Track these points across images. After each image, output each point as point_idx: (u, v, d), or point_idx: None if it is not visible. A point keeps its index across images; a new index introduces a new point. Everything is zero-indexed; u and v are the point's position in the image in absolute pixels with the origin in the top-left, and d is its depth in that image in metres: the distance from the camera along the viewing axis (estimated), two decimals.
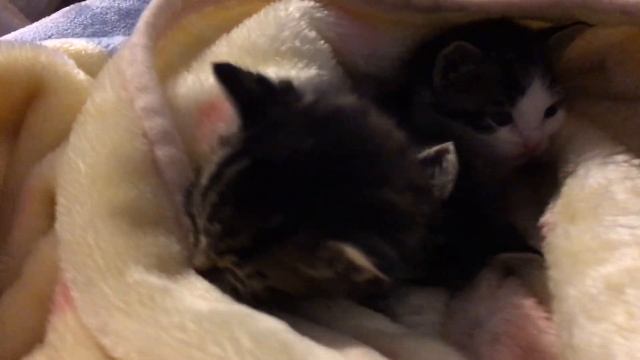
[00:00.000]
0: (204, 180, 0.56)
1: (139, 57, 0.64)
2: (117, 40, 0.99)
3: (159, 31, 0.69)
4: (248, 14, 0.77)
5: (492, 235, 0.69)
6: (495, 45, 0.78)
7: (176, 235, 0.59)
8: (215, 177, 0.54)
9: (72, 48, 0.91)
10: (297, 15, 0.74)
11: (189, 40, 0.76)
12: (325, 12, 0.76)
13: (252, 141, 0.55)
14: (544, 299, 0.67)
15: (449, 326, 0.68)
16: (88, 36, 1.16)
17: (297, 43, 0.72)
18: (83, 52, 0.92)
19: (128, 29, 1.24)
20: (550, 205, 0.73)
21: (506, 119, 0.79)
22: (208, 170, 0.56)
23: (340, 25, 0.77)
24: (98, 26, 1.24)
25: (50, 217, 0.64)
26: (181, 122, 0.65)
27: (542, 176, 0.85)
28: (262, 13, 0.75)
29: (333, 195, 0.51)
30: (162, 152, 0.61)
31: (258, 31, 0.72)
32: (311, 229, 0.51)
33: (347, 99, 0.63)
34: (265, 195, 0.51)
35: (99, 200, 0.57)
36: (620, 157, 0.70)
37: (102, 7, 1.29)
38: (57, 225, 0.60)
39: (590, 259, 0.60)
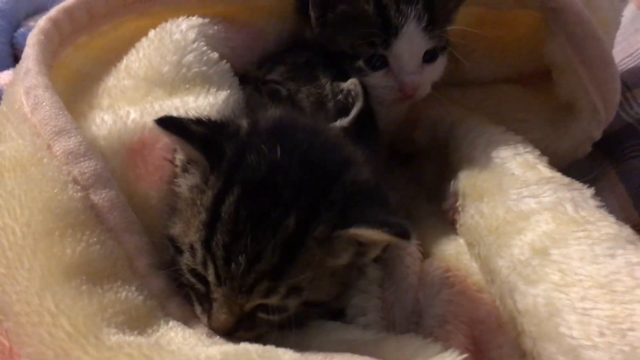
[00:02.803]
0: (192, 236, 0.56)
1: (46, 100, 0.59)
2: None
3: (49, 68, 0.63)
4: (122, 39, 0.74)
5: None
6: None
7: (134, 284, 0.57)
8: (211, 222, 0.54)
9: None
10: (192, 36, 0.72)
11: (71, 76, 0.71)
12: (216, 27, 0.76)
13: (229, 173, 0.55)
14: (467, 273, 0.73)
15: (390, 320, 0.70)
16: None
17: (204, 67, 0.71)
18: None
19: None
20: (450, 191, 0.80)
21: (382, 62, 0.80)
22: (193, 222, 0.56)
23: (231, 39, 0.77)
24: None
25: None
26: (111, 164, 0.61)
27: (422, 165, 0.93)
28: (155, 39, 0.72)
29: (321, 187, 0.56)
30: (99, 197, 0.57)
31: (158, 58, 0.70)
32: (322, 222, 0.55)
33: (274, 111, 0.67)
34: (269, 209, 0.54)
35: (47, 262, 0.52)
36: (505, 137, 0.79)
37: None
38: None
39: (511, 231, 0.68)
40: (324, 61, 0.81)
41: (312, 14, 0.80)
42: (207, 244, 0.54)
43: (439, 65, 0.85)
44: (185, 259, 0.57)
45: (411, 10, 0.78)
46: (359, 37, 0.80)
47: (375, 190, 0.59)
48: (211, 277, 0.55)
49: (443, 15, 0.82)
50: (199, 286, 0.57)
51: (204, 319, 0.58)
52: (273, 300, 0.55)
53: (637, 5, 1.05)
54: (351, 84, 0.75)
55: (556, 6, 0.79)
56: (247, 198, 0.54)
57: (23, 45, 1.09)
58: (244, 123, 0.61)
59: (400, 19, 0.78)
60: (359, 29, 0.79)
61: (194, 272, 0.57)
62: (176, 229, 0.58)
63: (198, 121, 0.60)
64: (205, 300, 0.57)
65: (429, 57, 0.83)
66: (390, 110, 0.85)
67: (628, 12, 1.06)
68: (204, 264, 0.55)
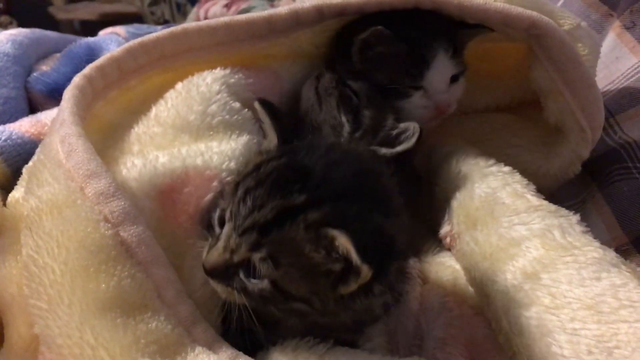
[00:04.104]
0: (232, 184, 0.66)
1: (79, 147, 0.64)
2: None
3: (82, 119, 0.68)
4: (149, 92, 0.80)
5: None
6: (402, 28, 0.88)
7: (163, 313, 0.60)
8: (251, 172, 0.64)
9: None
10: (216, 87, 0.78)
11: (103, 128, 0.76)
12: (237, 76, 0.82)
13: (289, 151, 0.65)
14: (465, 297, 0.78)
15: (393, 344, 0.75)
16: None
17: (227, 116, 0.76)
18: None
19: None
20: (446, 218, 0.85)
21: (418, 88, 0.91)
22: (242, 173, 0.66)
23: (252, 84, 0.83)
24: None
25: None
26: (140, 204, 0.66)
27: (419, 190, 0.98)
28: (183, 90, 0.78)
29: (343, 198, 0.61)
30: (128, 233, 0.61)
31: (186, 107, 0.75)
32: (320, 212, 0.59)
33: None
34: (294, 183, 0.60)
35: (85, 297, 0.56)
36: (495, 168, 0.85)
37: None
38: (41, 331, 0.58)
39: (504, 257, 0.73)
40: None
41: (354, 56, 0.90)
42: (237, 185, 0.63)
43: (461, 85, 0.96)
44: (221, 205, 0.65)
45: (439, 45, 0.90)
46: (396, 72, 0.91)
47: (385, 227, 0.62)
48: (227, 212, 0.62)
49: (461, 45, 0.94)
50: (219, 230, 0.64)
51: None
52: (255, 258, 0.59)
53: (616, 34, 1.11)
54: (412, 125, 0.85)
55: (540, 33, 0.84)
56: (284, 168, 0.62)
57: (36, 90, 1.17)
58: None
59: (431, 53, 0.90)
60: (395, 66, 0.90)
61: (222, 219, 0.64)
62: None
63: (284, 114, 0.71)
64: (214, 243, 0.64)
65: (453, 78, 0.94)
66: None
67: (608, 40, 1.12)
68: (226, 203, 0.64)
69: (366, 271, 0.56)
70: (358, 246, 0.55)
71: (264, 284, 0.61)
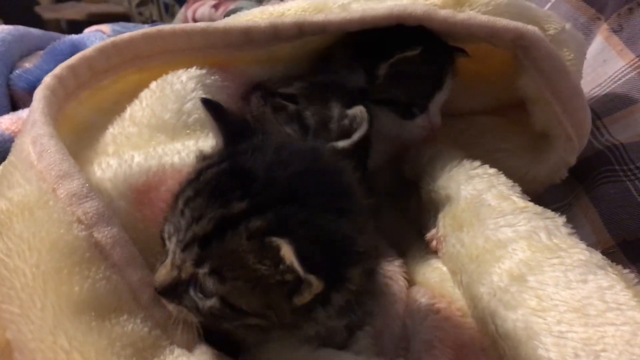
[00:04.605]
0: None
1: (51, 147, 0.62)
2: None
3: (54, 120, 0.67)
4: (123, 92, 0.79)
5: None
6: (429, 50, 0.87)
7: (139, 315, 0.59)
8: (191, 181, 0.59)
9: None
10: (192, 85, 0.77)
11: (76, 128, 0.74)
12: (212, 77, 0.81)
13: (232, 154, 0.60)
14: (451, 300, 0.78)
15: (380, 346, 0.74)
16: None
17: (202, 114, 0.74)
18: None
19: None
20: (432, 221, 0.85)
21: (423, 109, 0.93)
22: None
23: (227, 87, 0.83)
24: None
25: None
26: (115, 204, 0.65)
27: (408, 193, 0.97)
28: (157, 89, 0.77)
29: (292, 200, 0.56)
30: (102, 235, 0.60)
31: (160, 106, 0.74)
32: (263, 219, 0.54)
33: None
34: (234, 190, 0.56)
35: (58, 300, 0.55)
36: (480, 170, 0.84)
37: None
38: (13, 336, 0.56)
39: (490, 259, 0.72)
40: (341, 90, 0.89)
41: (380, 70, 0.89)
42: (177, 196, 0.59)
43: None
44: (168, 218, 0.60)
45: (450, 67, 0.92)
46: (417, 91, 0.92)
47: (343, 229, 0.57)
48: (169, 226, 0.58)
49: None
50: (168, 244, 0.59)
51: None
52: (200, 273, 0.56)
53: (604, 37, 1.11)
54: (358, 110, 0.82)
55: (526, 44, 0.84)
56: (226, 174, 0.58)
57: (19, 87, 1.15)
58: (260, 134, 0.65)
59: (445, 77, 0.92)
60: (418, 85, 0.91)
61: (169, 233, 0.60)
62: None
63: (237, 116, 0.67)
64: (164, 259, 0.59)
65: None
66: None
67: (596, 43, 1.12)
68: (171, 217, 0.59)
69: (315, 282, 0.52)
70: (304, 255, 0.50)
71: (213, 301, 0.57)
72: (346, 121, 0.83)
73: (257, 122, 0.83)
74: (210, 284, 0.56)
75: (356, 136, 0.81)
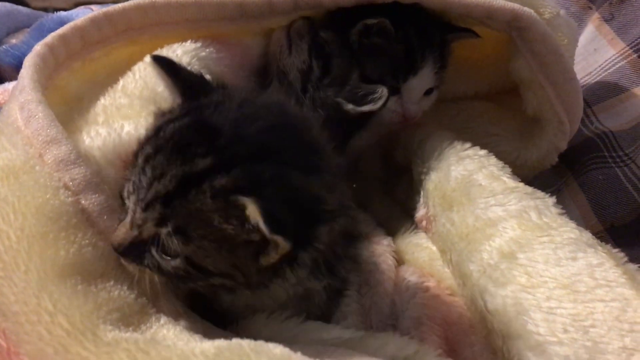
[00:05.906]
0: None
1: (39, 113, 0.61)
2: None
3: (43, 87, 0.66)
4: (115, 64, 0.77)
5: None
6: (403, 27, 0.87)
7: (126, 283, 0.58)
8: (150, 138, 0.56)
9: None
10: (187, 59, 0.76)
11: (67, 99, 0.73)
12: (207, 50, 0.80)
13: (194, 109, 0.58)
14: (440, 278, 0.77)
15: (367, 323, 0.74)
16: None
17: None
18: None
19: None
20: (421, 201, 0.84)
21: (395, 91, 0.89)
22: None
23: (223, 57, 0.82)
24: None
25: None
26: (104, 173, 0.63)
27: (396, 178, 0.97)
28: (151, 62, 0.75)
29: (260, 157, 0.54)
30: (89, 202, 0.60)
31: (154, 79, 0.73)
32: (228, 177, 0.52)
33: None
34: (198, 146, 0.53)
35: (42, 264, 0.54)
36: (471, 151, 0.84)
37: None
38: None
39: (480, 237, 0.72)
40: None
41: (352, 36, 0.87)
42: (136, 154, 0.57)
43: (433, 98, 0.96)
44: (128, 176, 0.58)
45: (431, 56, 0.89)
46: (385, 68, 0.89)
47: (311, 187, 0.55)
48: (128, 184, 0.56)
49: (447, 62, 0.94)
50: (127, 203, 0.57)
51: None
52: (163, 233, 0.54)
53: (595, 26, 1.12)
54: (381, 87, 0.84)
55: (522, 25, 0.84)
56: (188, 129, 0.55)
57: (5, 62, 1.13)
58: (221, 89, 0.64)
59: (422, 62, 0.89)
60: (386, 62, 0.88)
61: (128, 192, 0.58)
62: None
63: (192, 73, 0.65)
64: (123, 217, 0.57)
65: (428, 91, 0.93)
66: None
67: (587, 32, 1.13)
68: (131, 176, 0.56)
69: (282, 242, 0.50)
70: (271, 214, 0.49)
71: (177, 261, 0.55)
72: (359, 91, 0.84)
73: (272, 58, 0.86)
74: (173, 244, 0.54)
75: (367, 107, 0.83)
